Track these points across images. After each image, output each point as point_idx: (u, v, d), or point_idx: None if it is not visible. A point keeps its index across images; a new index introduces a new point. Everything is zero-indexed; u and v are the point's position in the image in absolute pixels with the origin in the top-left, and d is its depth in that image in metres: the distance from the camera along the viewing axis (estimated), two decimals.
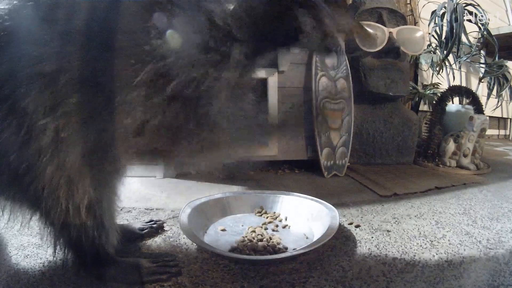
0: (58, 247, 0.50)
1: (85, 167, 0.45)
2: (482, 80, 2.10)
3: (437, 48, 1.91)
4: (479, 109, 1.66)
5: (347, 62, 1.38)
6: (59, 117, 0.41)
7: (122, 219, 0.76)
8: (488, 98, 2.16)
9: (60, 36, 0.40)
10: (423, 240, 0.71)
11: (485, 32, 1.85)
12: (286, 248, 0.65)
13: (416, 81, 2.12)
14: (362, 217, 0.84)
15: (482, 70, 2.10)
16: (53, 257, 0.59)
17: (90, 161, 0.45)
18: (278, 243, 0.66)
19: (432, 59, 1.95)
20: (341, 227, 0.75)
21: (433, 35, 1.91)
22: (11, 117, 0.41)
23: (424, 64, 2.05)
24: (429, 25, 1.89)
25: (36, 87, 0.40)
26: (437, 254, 0.64)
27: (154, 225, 0.70)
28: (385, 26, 1.47)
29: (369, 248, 0.66)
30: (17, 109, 0.40)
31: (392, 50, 1.45)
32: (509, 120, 3.50)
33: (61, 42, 0.40)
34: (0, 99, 0.40)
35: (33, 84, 0.40)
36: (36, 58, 0.40)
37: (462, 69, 2.18)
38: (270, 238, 0.68)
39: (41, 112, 0.41)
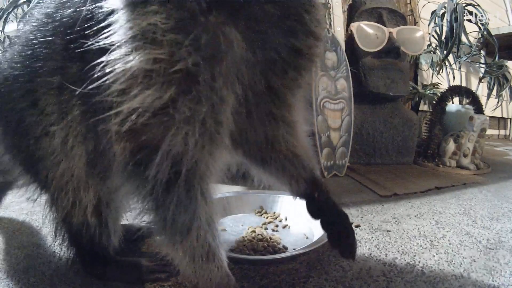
0: (59, 244, 0.51)
1: (96, 169, 0.46)
2: (482, 80, 2.10)
3: (437, 48, 1.91)
4: (479, 109, 1.66)
5: (347, 62, 1.38)
6: (70, 122, 0.45)
7: (122, 219, 0.76)
8: (488, 98, 2.16)
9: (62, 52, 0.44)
10: (423, 240, 0.71)
11: (485, 32, 1.85)
12: (286, 248, 0.64)
13: (416, 81, 2.12)
14: (362, 217, 0.84)
15: (482, 70, 2.10)
16: (53, 256, 0.59)
17: (101, 163, 0.46)
18: (278, 243, 0.66)
19: (432, 59, 1.95)
20: None
21: (433, 35, 1.90)
22: (32, 111, 0.46)
23: (424, 64, 2.05)
24: (429, 25, 1.89)
25: (48, 95, 0.45)
26: (437, 254, 0.64)
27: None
28: (385, 26, 1.47)
29: (369, 248, 0.66)
30: (38, 106, 0.45)
31: (392, 50, 1.45)
32: (509, 120, 3.49)
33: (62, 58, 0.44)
34: (26, 92, 0.46)
35: (46, 93, 0.45)
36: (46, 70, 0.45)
37: (462, 69, 2.18)
38: (270, 238, 0.68)
39: (54, 116, 0.45)
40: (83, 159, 0.46)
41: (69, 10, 0.43)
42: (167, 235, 0.41)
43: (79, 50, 0.39)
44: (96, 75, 0.36)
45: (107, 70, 0.35)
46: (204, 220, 0.41)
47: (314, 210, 0.53)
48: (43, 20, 0.46)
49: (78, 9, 0.41)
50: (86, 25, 0.39)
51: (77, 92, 0.41)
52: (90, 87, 0.37)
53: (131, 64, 0.35)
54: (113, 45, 0.35)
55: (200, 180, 0.40)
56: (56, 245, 0.52)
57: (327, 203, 0.53)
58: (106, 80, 0.36)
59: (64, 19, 0.43)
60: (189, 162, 0.38)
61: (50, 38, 0.44)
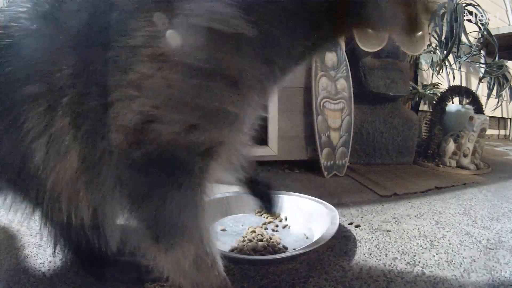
0: (58, 247, 0.50)
1: (88, 177, 0.44)
2: (482, 80, 2.09)
3: (437, 48, 1.90)
4: (479, 109, 1.66)
5: (347, 62, 1.38)
6: (56, 131, 0.41)
7: (121, 219, 0.76)
8: (488, 98, 2.16)
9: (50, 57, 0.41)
10: (423, 240, 0.71)
11: (485, 32, 1.85)
12: (286, 248, 0.65)
13: (416, 81, 2.12)
14: (362, 217, 0.84)
15: (482, 70, 2.10)
16: (53, 256, 0.59)
17: (93, 170, 0.44)
18: (278, 243, 0.66)
19: (432, 59, 1.95)
20: (341, 227, 0.75)
21: (433, 35, 1.90)
22: (14, 128, 0.41)
23: (424, 64, 2.05)
24: (429, 25, 1.89)
25: (32, 106, 0.41)
26: (437, 254, 0.64)
27: None
28: None
29: (369, 248, 0.66)
30: (20, 121, 0.41)
31: (392, 50, 1.45)
32: (509, 120, 3.49)
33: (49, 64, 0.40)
34: (5, 109, 0.42)
35: (29, 104, 0.41)
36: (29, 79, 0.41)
37: (462, 69, 2.18)
38: (270, 238, 0.68)
39: (38, 128, 0.41)
40: (74, 167, 0.43)
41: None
42: (166, 237, 0.41)
43: (77, 54, 0.39)
44: (95, 80, 0.36)
45: (109, 73, 0.35)
46: (204, 223, 0.41)
47: (256, 191, 0.65)
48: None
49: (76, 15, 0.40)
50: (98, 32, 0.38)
51: (65, 99, 0.39)
52: (87, 91, 0.37)
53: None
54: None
55: (201, 182, 0.40)
56: (56, 246, 0.52)
57: (262, 184, 0.66)
58: (106, 83, 0.36)
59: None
60: (190, 163, 0.38)
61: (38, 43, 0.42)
